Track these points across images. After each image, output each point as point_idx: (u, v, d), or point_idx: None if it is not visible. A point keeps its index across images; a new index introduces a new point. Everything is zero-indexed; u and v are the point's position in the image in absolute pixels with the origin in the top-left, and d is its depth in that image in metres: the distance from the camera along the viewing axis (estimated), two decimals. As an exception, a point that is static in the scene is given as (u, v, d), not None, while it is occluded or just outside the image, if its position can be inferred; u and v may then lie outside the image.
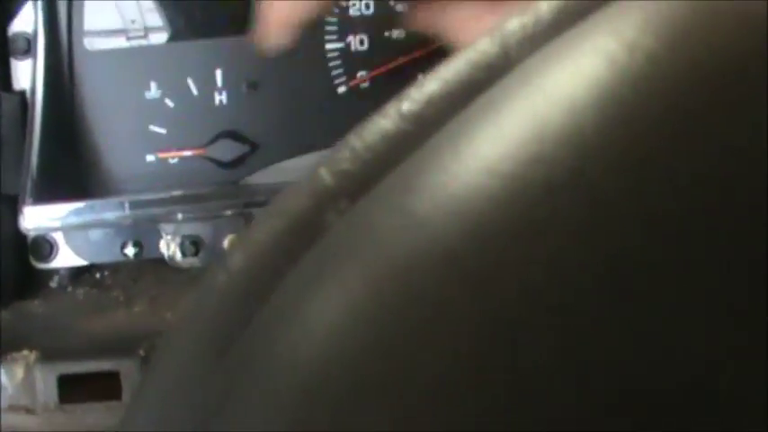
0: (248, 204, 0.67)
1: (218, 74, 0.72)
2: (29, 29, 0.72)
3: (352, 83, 0.72)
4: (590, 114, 0.15)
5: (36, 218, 0.66)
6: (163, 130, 0.73)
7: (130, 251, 0.71)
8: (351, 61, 0.72)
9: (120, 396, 0.59)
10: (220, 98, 0.72)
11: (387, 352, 0.15)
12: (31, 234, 0.70)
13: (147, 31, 0.73)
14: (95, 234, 0.71)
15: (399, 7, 0.72)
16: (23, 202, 0.67)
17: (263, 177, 0.72)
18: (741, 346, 0.14)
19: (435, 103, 0.18)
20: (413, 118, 0.18)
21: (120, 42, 0.73)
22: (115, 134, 0.73)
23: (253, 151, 0.72)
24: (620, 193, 0.14)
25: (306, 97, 0.72)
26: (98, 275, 0.73)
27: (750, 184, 0.14)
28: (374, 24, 0.72)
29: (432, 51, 0.71)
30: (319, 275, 0.17)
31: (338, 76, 0.72)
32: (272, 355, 0.17)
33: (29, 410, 0.60)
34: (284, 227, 0.18)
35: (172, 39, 0.73)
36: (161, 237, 0.69)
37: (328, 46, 0.72)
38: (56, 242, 0.71)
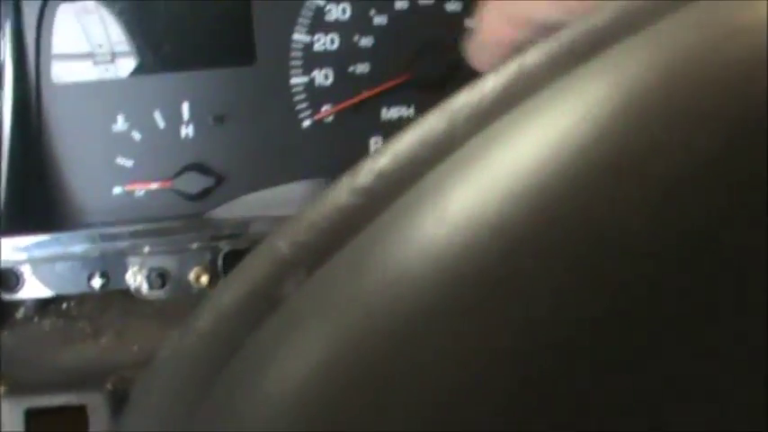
0: (214, 238, 0.68)
1: (185, 107, 0.73)
2: (-4, 62, 0.73)
3: (316, 117, 0.73)
4: (524, 203, 0.16)
5: (3, 250, 0.67)
6: (130, 163, 0.73)
7: (97, 282, 0.72)
8: (315, 95, 0.73)
9: (87, 430, 0.59)
10: (187, 131, 0.73)
11: (338, 420, 0.16)
12: (-1, 266, 0.71)
13: (115, 56, 0.74)
14: (62, 265, 0.71)
15: (363, 42, 0.73)
16: (-9, 235, 0.67)
17: (230, 210, 0.73)
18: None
19: (385, 179, 0.19)
20: (365, 192, 0.19)
21: (86, 66, 0.74)
22: (82, 166, 0.74)
23: (219, 184, 0.73)
24: (551, 291, 0.15)
25: (271, 131, 0.73)
26: (64, 306, 0.73)
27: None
28: (338, 59, 0.74)
29: (394, 86, 0.73)
30: (276, 344, 0.18)
31: (303, 110, 0.73)
32: (231, 418, 0.18)
33: (-5, 444, 0.60)
34: (245, 295, 0.19)
35: (139, 71, 0.74)
36: (127, 268, 0.69)
37: (293, 80, 0.73)
38: (22, 273, 0.72)
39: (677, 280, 0.15)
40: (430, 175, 0.18)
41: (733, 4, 0.18)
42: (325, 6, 0.73)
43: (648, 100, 0.16)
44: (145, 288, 0.69)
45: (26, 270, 0.72)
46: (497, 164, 0.17)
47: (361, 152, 0.73)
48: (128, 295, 0.70)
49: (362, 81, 0.74)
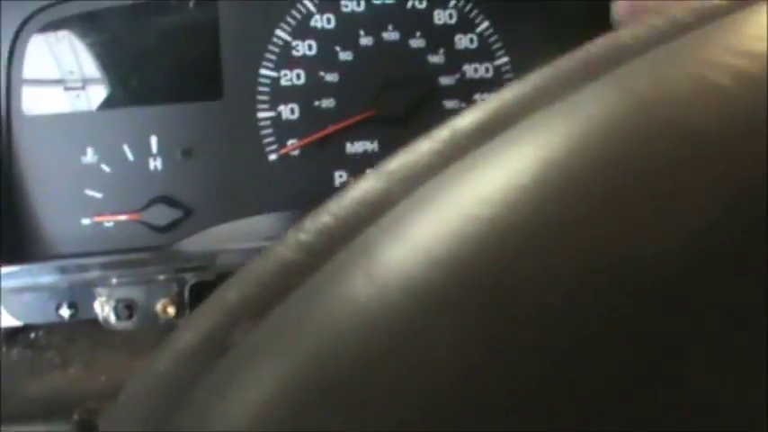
0: (181, 270, 0.69)
1: (154, 140, 0.75)
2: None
3: (282, 150, 0.75)
4: (447, 266, 0.17)
5: (-28, 281, 0.68)
6: (98, 195, 0.75)
7: (65, 312, 0.72)
8: (282, 130, 0.75)
9: (54, 460, 0.60)
10: (155, 164, 0.75)
11: None
12: (-33, 297, 0.71)
13: (86, 82, 0.76)
14: (30, 295, 0.72)
15: (329, 78, 0.75)
16: (-40, 267, 0.68)
17: (197, 242, 0.74)
18: None
19: (325, 236, 0.20)
20: (306, 249, 0.20)
21: (57, 93, 0.75)
22: (52, 198, 0.75)
23: (186, 216, 0.74)
24: (459, 359, 0.17)
25: (238, 164, 0.75)
26: (32, 336, 0.74)
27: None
28: (304, 94, 0.75)
29: (359, 121, 0.75)
30: (224, 386, 0.19)
31: (269, 143, 0.75)
32: None
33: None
34: (198, 341, 0.20)
35: (108, 104, 0.75)
36: (95, 299, 0.70)
37: (260, 114, 0.75)
38: (-9, 303, 0.73)
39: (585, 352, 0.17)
40: (365, 233, 0.20)
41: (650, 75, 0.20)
42: (291, 42, 0.75)
43: (563, 174, 0.18)
44: (112, 318, 0.70)
45: (-6, 300, 0.72)
46: (421, 226, 0.19)
47: (326, 185, 0.75)
48: (96, 325, 0.71)
49: (328, 116, 0.75)
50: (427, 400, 0.17)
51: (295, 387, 0.18)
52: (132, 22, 0.75)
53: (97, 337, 0.72)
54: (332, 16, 0.75)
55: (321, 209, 0.22)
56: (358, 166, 0.75)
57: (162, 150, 0.75)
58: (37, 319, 0.73)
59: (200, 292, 0.69)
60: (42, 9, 0.73)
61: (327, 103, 0.75)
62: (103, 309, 0.70)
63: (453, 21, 0.76)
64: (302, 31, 0.75)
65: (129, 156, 0.74)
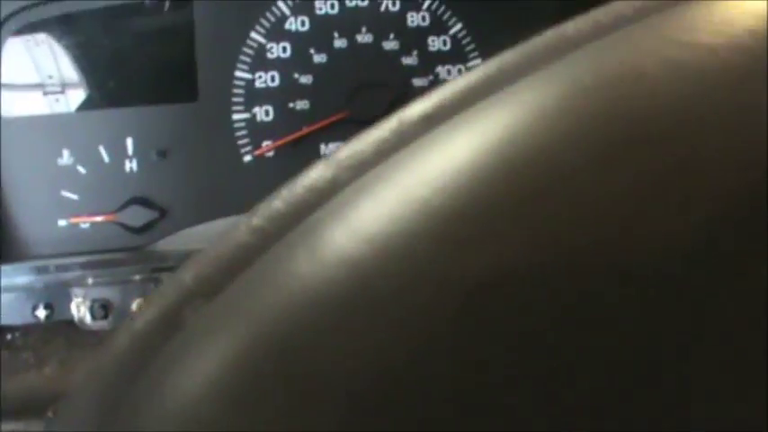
0: (156, 269, 0.70)
1: (129, 142, 0.75)
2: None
3: (257, 152, 0.76)
4: (382, 243, 0.18)
5: (-52, 282, 0.68)
6: (75, 196, 0.75)
7: (42, 313, 0.73)
8: (256, 131, 0.76)
9: (29, 458, 0.61)
10: (131, 165, 0.75)
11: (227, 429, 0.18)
12: (-57, 298, 0.72)
13: (65, 86, 0.76)
14: (7, 296, 0.73)
15: (303, 80, 0.76)
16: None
17: (172, 242, 0.74)
18: None
19: (275, 220, 0.21)
20: (257, 231, 0.21)
21: (36, 97, 0.75)
22: (28, 199, 0.75)
23: (162, 217, 0.75)
24: (388, 330, 0.17)
25: (213, 165, 0.75)
26: (9, 337, 0.74)
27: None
28: (279, 96, 0.76)
29: (333, 122, 0.75)
30: (174, 362, 0.20)
31: (244, 145, 0.76)
32: (140, 428, 0.20)
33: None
34: (152, 320, 0.21)
35: (84, 106, 0.76)
36: (72, 300, 0.71)
37: (235, 116, 0.76)
38: (-33, 305, 0.73)
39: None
40: (312, 216, 0.21)
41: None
42: (266, 45, 0.76)
43: (498, 158, 0.19)
44: (88, 319, 0.70)
45: (-29, 301, 0.73)
46: (361, 208, 0.20)
47: (300, 186, 0.75)
48: (72, 326, 0.72)
49: (302, 117, 0.76)
50: (372, 369, 0.18)
51: (243, 360, 0.19)
52: (107, 25, 0.75)
53: (73, 337, 0.73)
54: (306, 19, 0.76)
55: (274, 195, 0.22)
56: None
57: (138, 152, 0.75)
58: (13, 319, 0.73)
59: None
60: (18, 12, 0.73)
61: (302, 104, 0.76)
62: (79, 309, 0.71)
63: (426, 23, 0.77)
64: (277, 33, 0.76)
65: (105, 157, 0.75)
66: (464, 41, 0.78)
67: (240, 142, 0.76)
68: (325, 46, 0.76)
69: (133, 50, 0.76)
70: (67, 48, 0.75)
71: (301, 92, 0.76)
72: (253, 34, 0.76)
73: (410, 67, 0.77)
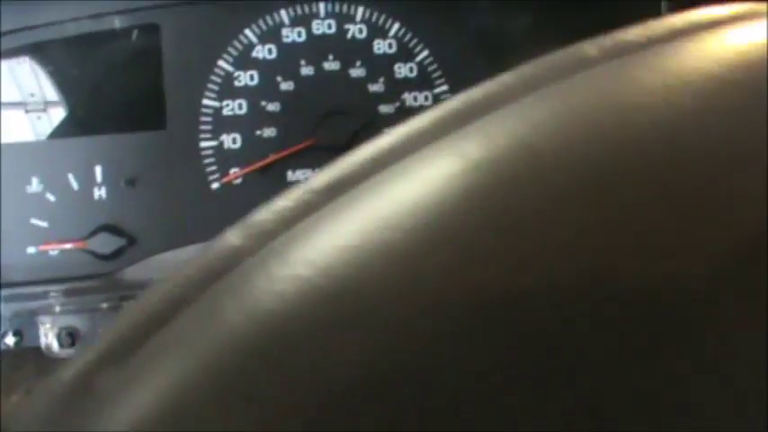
0: (124, 297, 0.71)
1: (98, 170, 0.76)
2: None
3: (225, 179, 0.76)
4: (270, 322, 0.19)
5: None
6: (44, 224, 0.75)
7: (10, 340, 0.73)
8: (224, 158, 0.76)
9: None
10: (100, 193, 0.76)
11: None
12: None
13: (47, 105, 0.77)
14: (-24, 323, 0.73)
15: (270, 108, 0.76)
16: None
17: (142, 270, 0.75)
18: None
19: (183, 286, 0.22)
20: (167, 297, 0.22)
21: (18, 115, 0.76)
22: (-3, 227, 0.76)
23: (131, 244, 0.75)
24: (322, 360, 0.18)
25: (181, 193, 0.76)
26: (-21, 363, 0.75)
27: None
28: (246, 123, 0.77)
29: (301, 149, 0.76)
30: (124, 389, 0.21)
31: (212, 172, 0.76)
32: None
33: None
34: (66, 382, 0.22)
35: (53, 134, 0.76)
36: (39, 327, 0.71)
37: (203, 144, 0.76)
38: (-63, 332, 0.73)
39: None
40: (213, 286, 0.21)
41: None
42: (233, 73, 0.77)
43: (396, 233, 0.20)
44: (55, 346, 0.71)
45: (-60, 329, 0.73)
46: (252, 286, 0.21)
47: (267, 213, 0.76)
48: (41, 354, 0.72)
49: (270, 145, 0.77)
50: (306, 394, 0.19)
51: (192, 386, 0.20)
52: (75, 53, 0.76)
53: (43, 364, 0.73)
54: (273, 47, 0.77)
55: (190, 262, 0.23)
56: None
57: (106, 179, 0.76)
58: (-18, 346, 0.74)
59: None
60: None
61: (269, 132, 0.77)
62: (47, 336, 0.71)
63: (393, 50, 0.78)
64: (244, 61, 0.77)
65: (74, 185, 0.75)
66: (430, 68, 0.78)
67: (208, 169, 0.76)
68: (293, 74, 0.77)
69: (101, 79, 0.77)
70: (36, 76, 0.76)
71: (269, 119, 0.77)
72: (220, 62, 0.76)
73: (377, 95, 0.77)
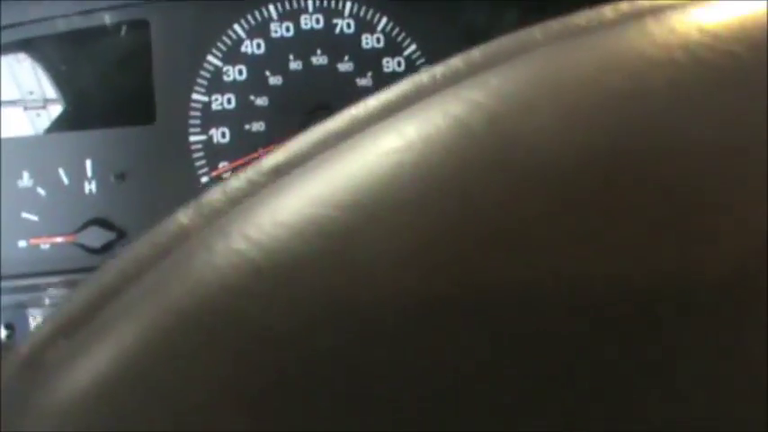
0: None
1: (88, 164, 0.76)
2: None
3: (214, 173, 0.77)
4: (196, 324, 0.20)
5: None
6: (35, 218, 0.76)
7: (2, 334, 0.74)
8: (213, 153, 0.77)
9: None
10: (90, 187, 0.76)
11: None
12: None
13: (47, 102, 0.77)
14: (-32, 317, 0.74)
15: (259, 102, 0.77)
16: None
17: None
18: None
19: (133, 262, 0.22)
20: (120, 272, 0.22)
21: (17, 113, 0.77)
22: (-12, 221, 0.76)
23: (121, 238, 0.76)
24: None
25: (171, 187, 0.76)
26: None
27: None
28: (235, 118, 0.77)
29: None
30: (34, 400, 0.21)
31: (201, 166, 0.77)
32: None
33: None
34: (20, 359, 0.22)
35: (46, 131, 0.77)
36: (29, 321, 0.72)
37: (192, 138, 0.77)
38: (-72, 326, 0.74)
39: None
40: (163, 261, 0.22)
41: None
42: (222, 67, 0.77)
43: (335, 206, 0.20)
44: (46, 339, 0.71)
45: (-69, 322, 0.74)
46: (195, 263, 0.21)
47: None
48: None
49: (258, 139, 0.77)
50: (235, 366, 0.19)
51: (134, 357, 0.20)
52: (65, 49, 0.76)
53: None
54: (261, 41, 0.77)
55: (141, 239, 0.24)
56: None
57: (97, 174, 0.76)
58: (-26, 340, 0.74)
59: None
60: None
61: (258, 126, 0.77)
62: (38, 329, 0.71)
63: (381, 45, 0.78)
64: (233, 56, 0.77)
65: (65, 179, 0.76)
66: (418, 62, 0.79)
67: (197, 164, 0.77)
68: (281, 68, 0.77)
69: (91, 74, 0.77)
70: (26, 72, 0.77)
71: (257, 114, 0.77)
72: (209, 57, 0.77)
73: (365, 89, 0.78)
